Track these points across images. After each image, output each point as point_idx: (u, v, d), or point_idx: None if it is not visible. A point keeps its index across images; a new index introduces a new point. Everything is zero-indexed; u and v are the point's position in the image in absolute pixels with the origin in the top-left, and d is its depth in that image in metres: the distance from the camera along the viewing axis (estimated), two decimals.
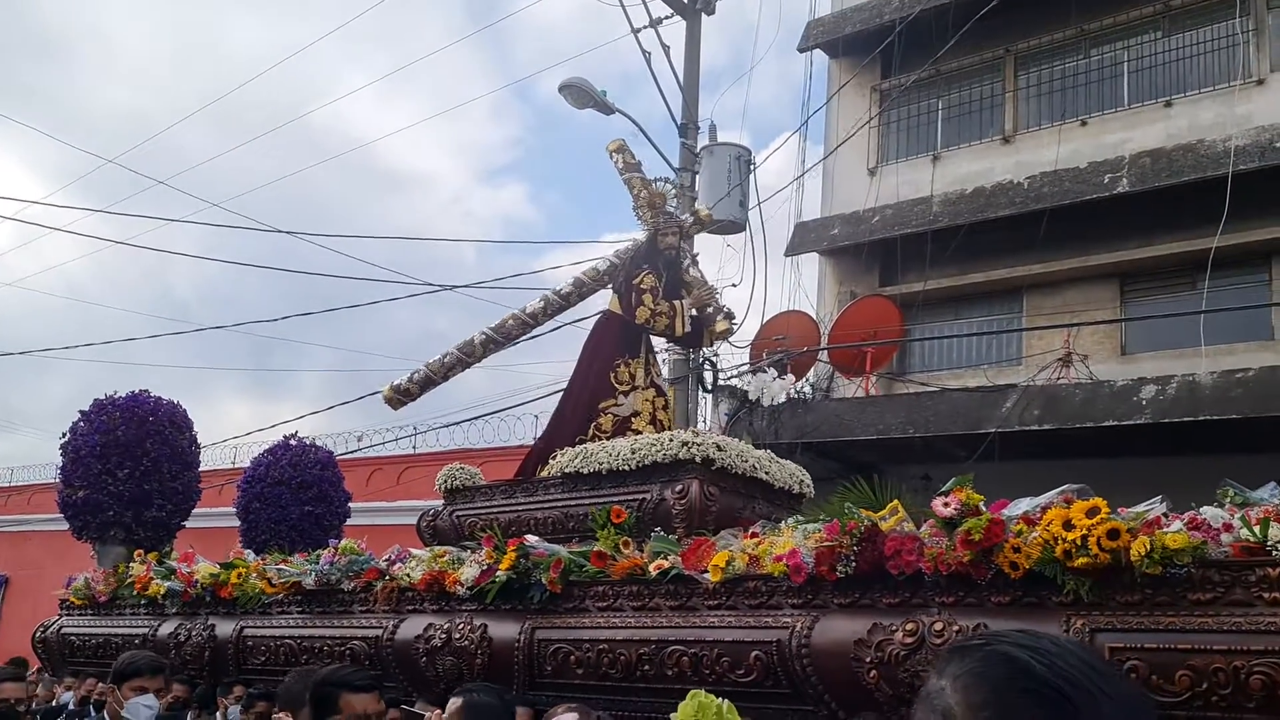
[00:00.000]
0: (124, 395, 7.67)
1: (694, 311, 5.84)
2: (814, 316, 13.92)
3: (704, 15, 13.97)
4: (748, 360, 13.13)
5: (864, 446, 11.79)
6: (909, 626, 3.77)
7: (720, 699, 3.78)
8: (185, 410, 7.89)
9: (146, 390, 7.79)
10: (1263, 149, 11.09)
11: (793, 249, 14.24)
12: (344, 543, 5.66)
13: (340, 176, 50.40)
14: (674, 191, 5.92)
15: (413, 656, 5.16)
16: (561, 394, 6.06)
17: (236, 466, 14.84)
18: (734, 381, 13.00)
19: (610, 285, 5.99)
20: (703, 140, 13.55)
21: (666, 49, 13.57)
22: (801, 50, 14.48)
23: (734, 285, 15.54)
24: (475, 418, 15.13)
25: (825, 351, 13.81)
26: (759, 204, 13.34)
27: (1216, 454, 10.06)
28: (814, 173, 14.62)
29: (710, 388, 12.11)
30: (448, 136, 52.78)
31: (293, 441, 8.49)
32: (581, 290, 6.12)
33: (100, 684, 6.18)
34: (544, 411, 15.43)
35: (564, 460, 5.36)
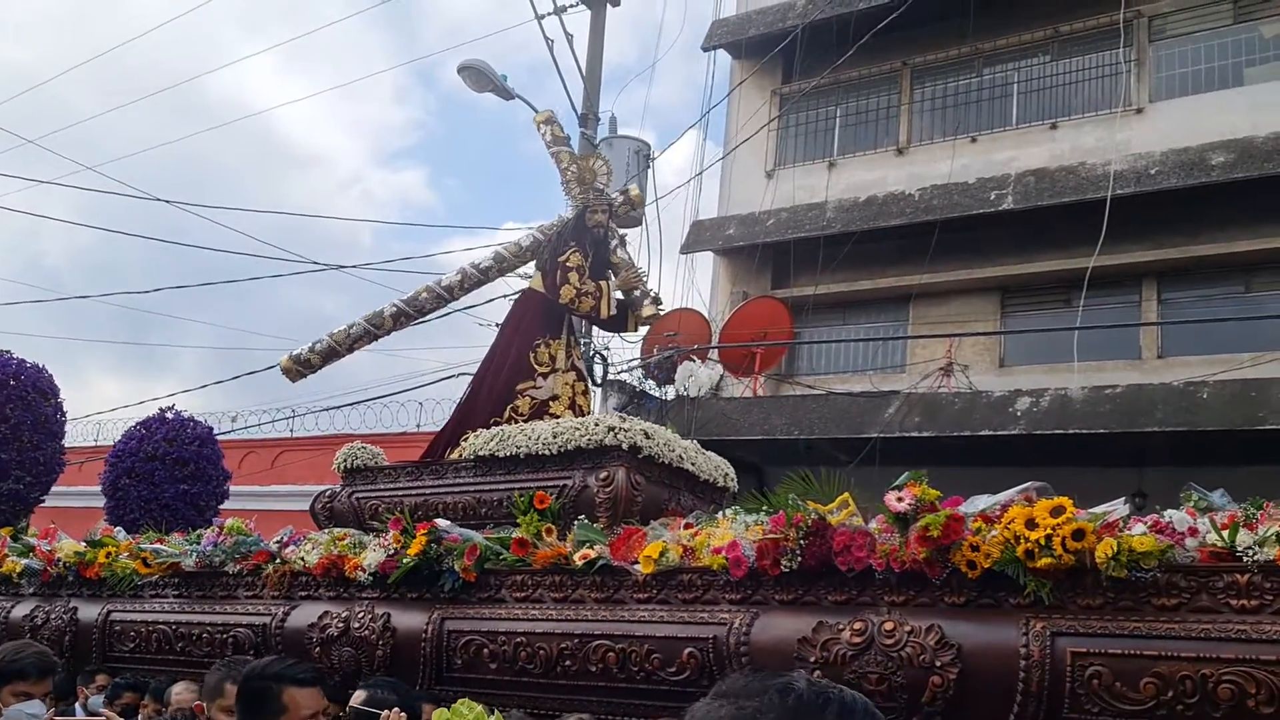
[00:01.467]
0: None
1: (620, 294, 5.55)
2: (706, 315, 13.84)
3: (609, 6, 13.77)
4: (639, 355, 12.95)
5: (747, 446, 11.71)
6: (857, 625, 3.56)
7: (490, 709, 3.45)
8: (51, 375, 7.17)
9: (8, 351, 7.07)
10: (1139, 175, 11.42)
11: (688, 247, 14.14)
12: (230, 522, 5.18)
13: (237, 152, 48.06)
14: (605, 168, 5.61)
15: (305, 646, 4.73)
16: (475, 373, 5.68)
17: (100, 444, 13.90)
18: (623, 376, 12.79)
19: (534, 262, 5.66)
20: (603, 132, 13.33)
21: (570, 37, 13.34)
22: (705, 49, 14.41)
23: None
24: (357, 402, 14.56)
25: (715, 350, 13.74)
26: (656, 199, 13.18)
27: (1085, 466, 10.31)
28: (712, 172, 14.55)
29: (600, 381, 11.84)
30: (349, 117, 51.08)
31: (169, 415, 7.83)
32: (501, 265, 5.74)
33: None
34: (429, 399, 14.94)
35: (478, 443, 4.99)
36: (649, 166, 13.36)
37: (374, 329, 5.55)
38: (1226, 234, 11.08)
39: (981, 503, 3.52)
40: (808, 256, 13.21)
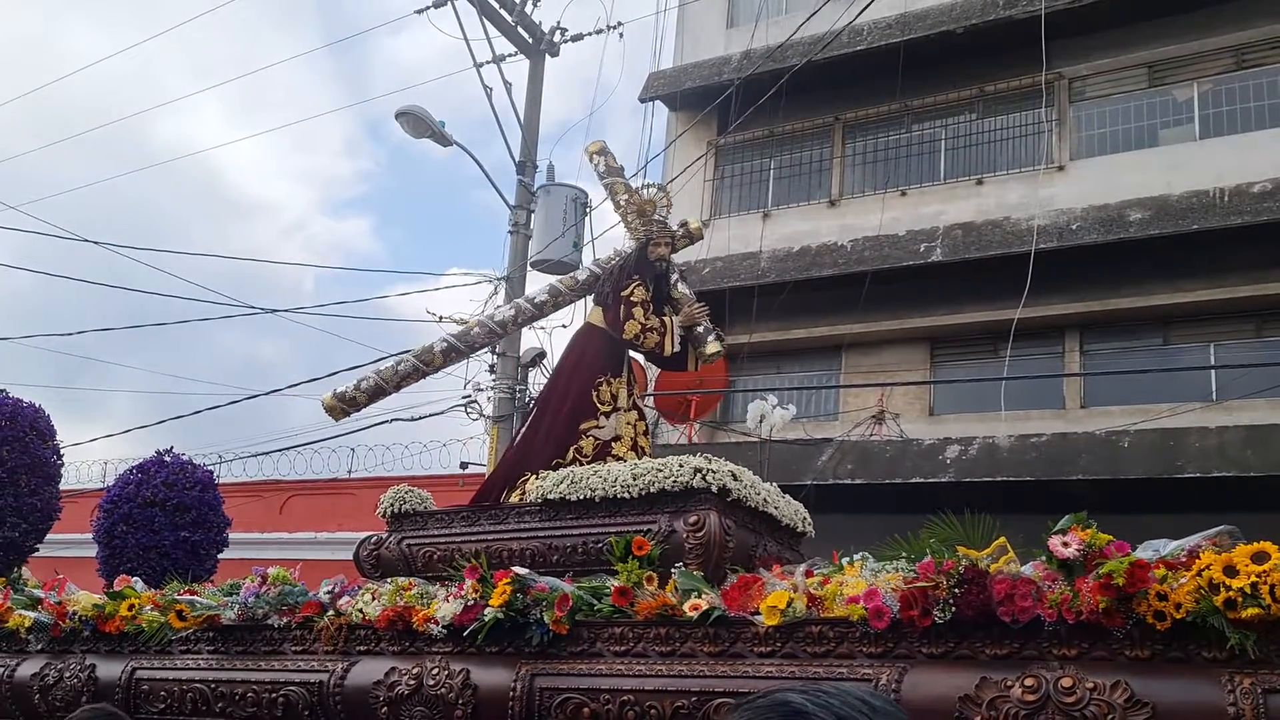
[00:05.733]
0: None
1: (682, 331, 5.01)
2: (641, 362, 13.34)
3: (548, 56, 13.30)
4: None
5: None
6: (1029, 682, 3.06)
7: None
8: (49, 416, 6.23)
9: (3, 390, 6.10)
10: (1061, 230, 11.39)
11: None
12: (274, 571, 4.45)
13: (184, 199, 45.65)
14: (665, 199, 5.10)
15: (371, 706, 4.02)
16: (532, 413, 5.06)
17: None
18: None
19: (593, 297, 5.09)
20: (540, 180, 12.82)
21: (508, 85, 12.85)
22: (642, 100, 14.05)
23: (564, 326, 14.79)
24: (287, 448, 13.66)
25: (651, 398, 13.25)
26: (593, 241, 12.70)
27: (1012, 513, 10.07)
28: None
29: None
30: (298, 168, 49.00)
31: (168, 457, 6.90)
32: (558, 300, 5.16)
33: None
34: (361, 445, 14.02)
35: (545, 485, 4.36)
36: (587, 214, 12.87)
37: (423, 365, 4.89)
38: (1145, 288, 11.10)
39: (1165, 548, 3.08)
40: (742, 305, 12.85)
